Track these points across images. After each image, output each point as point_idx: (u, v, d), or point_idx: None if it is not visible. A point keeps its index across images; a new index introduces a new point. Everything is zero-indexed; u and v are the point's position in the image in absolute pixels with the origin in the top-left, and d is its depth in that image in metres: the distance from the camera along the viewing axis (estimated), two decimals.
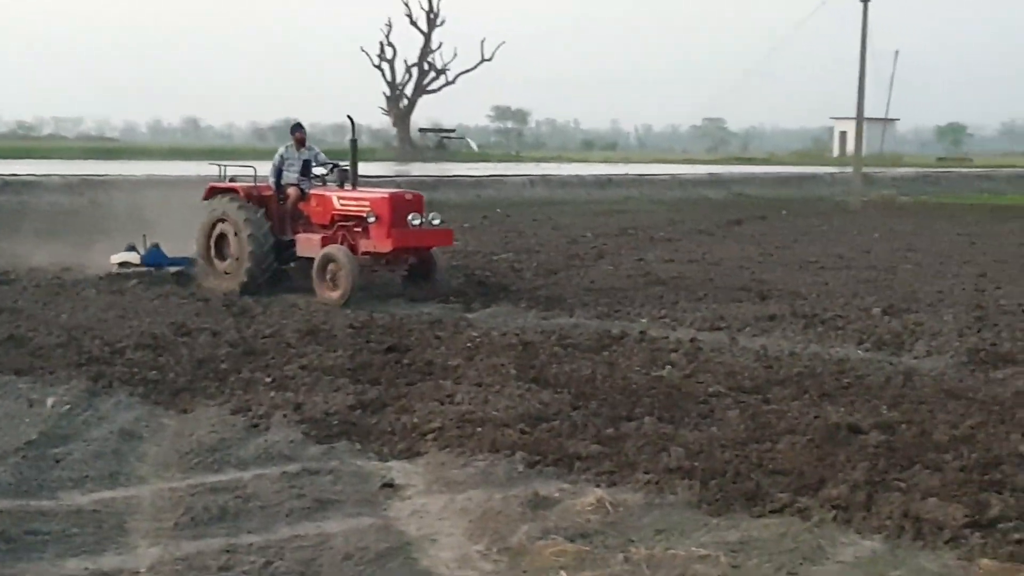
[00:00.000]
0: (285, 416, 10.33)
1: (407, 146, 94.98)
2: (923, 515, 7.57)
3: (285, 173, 19.19)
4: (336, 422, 10.20)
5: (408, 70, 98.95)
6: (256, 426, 10.12)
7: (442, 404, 10.82)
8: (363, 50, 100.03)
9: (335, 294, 17.35)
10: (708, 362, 12.97)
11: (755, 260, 24.69)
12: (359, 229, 18.12)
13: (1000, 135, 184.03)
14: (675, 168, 68.36)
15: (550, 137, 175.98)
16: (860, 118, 50.29)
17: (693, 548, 7.10)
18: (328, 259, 17.65)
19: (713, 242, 29.32)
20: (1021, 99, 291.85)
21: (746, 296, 18.62)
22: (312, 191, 18.86)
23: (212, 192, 19.36)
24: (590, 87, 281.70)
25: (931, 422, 10.16)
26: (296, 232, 18.87)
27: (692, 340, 14.26)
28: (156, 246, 20.06)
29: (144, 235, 20.21)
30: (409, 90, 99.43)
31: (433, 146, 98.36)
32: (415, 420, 10.23)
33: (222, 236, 18.97)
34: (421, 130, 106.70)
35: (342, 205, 18.35)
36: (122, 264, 19.89)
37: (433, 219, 18.14)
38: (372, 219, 17.74)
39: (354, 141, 18.88)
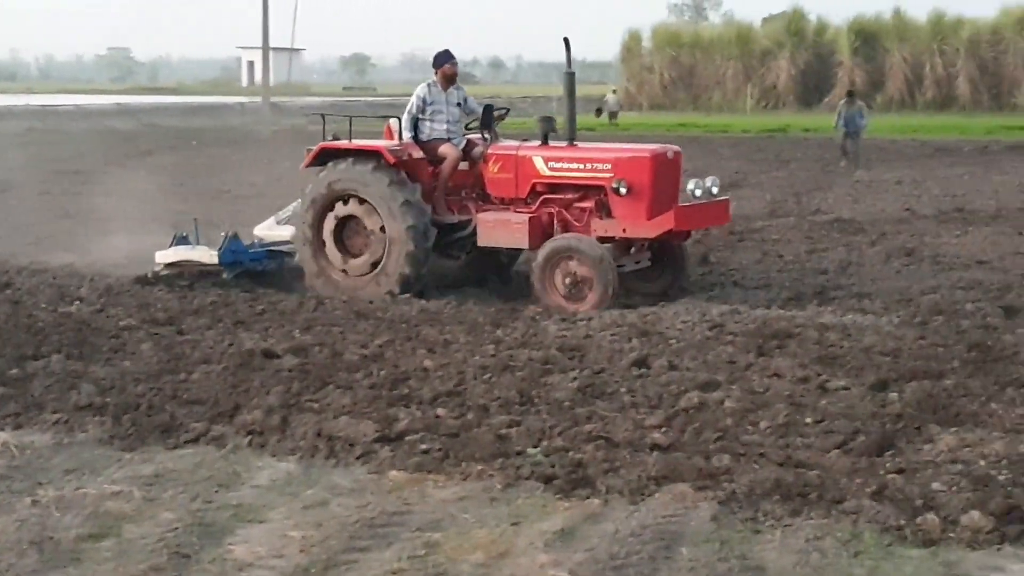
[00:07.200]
0: None
1: None
2: (336, 433, 7.76)
3: (428, 124, 13.46)
4: None
5: None
6: None
7: None
8: None
9: (580, 306, 11.96)
10: (120, 296, 12.67)
11: (169, 191, 24.32)
12: (586, 204, 12.70)
13: (401, 65, 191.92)
14: (81, 99, 66.06)
15: None
16: (266, 48, 50.64)
17: (105, 485, 6.93)
18: (562, 253, 12.25)
19: (124, 174, 28.56)
20: (420, 31, 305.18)
21: (159, 228, 18.31)
22: (494, 149, 13.05)
23: (323, 155, 13.36)
24: None
25: (343, 343, 10.42)
26: (453, 209, 13.34)
27: (103, 274, 13.86)
28: (235, 236, 13.98)
29: (195, 219, 14.65)
30: None
31: None
32: None
33: (347, 221, 13.17)
34: None
35: (554, 169, 12.74)
36: (173, 264, 13.88)
37: (712, 187, 12.91)
38: (623, 190, 12.22)
39: (571, 75, 13.11)
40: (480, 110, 13.49)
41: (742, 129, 47.52)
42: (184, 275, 13.65)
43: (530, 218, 12.59)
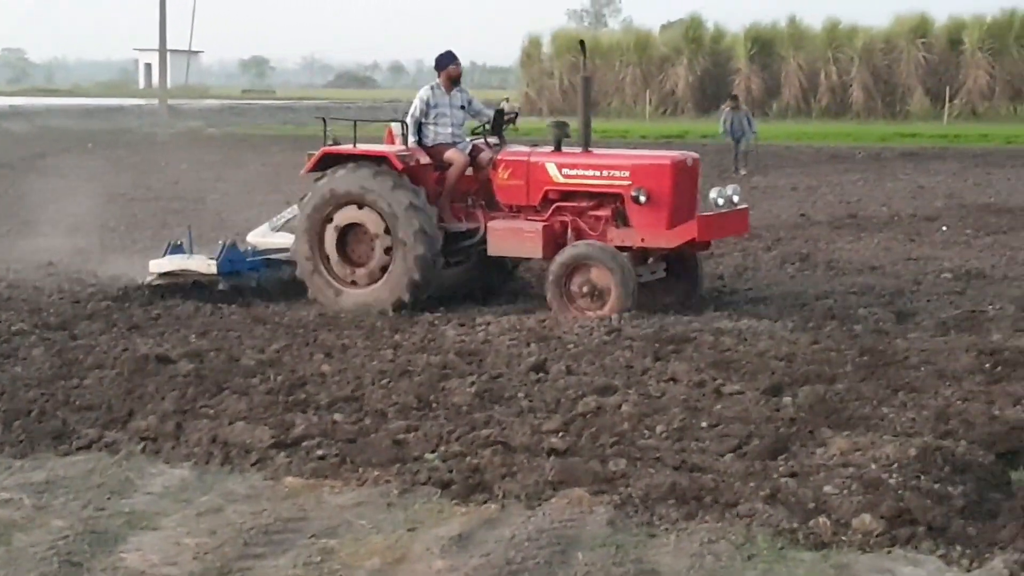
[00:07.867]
0: None
1: None
2: (231, 439, 7.70)
3: (432, 128, 12.88)
4: None
5: None
6: None
7: None
8: None
9: (600, 313, 11.54)
10: (11, 300, 12.49)
11: (62, 194, 24.00)
12: (602, 213, 12.21)
13: (301, 68, 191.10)
14: None
15: None
16: (163, 50, 50.14)
17: None
18: (579, 261, 11.78)
19: (16, 176, 28.13)
20: (319, 34, 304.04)
21: (52, 232, 18.08)
22: (504, 155, 12.59)
23: (325, 160, 12.78)
24: None
25: (239, 348, 10.35)
26: (460, 217, 12.84)
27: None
28: (233, 245, 13.22)
29: (189, 226, 14.20)
30: None
31: None
32: None
33: (350, 229, 12.54)
34: None
35: (568, 176, 12.26)
36: (168, 274, 13.10)
37: (733, 196, 12.47)
38: (642, 198, 11.82)
39: (587, 79, 13.19)
40: (485, 112, 13.21)
41: (641, 135, 47.76)
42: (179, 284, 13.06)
43: (543, 227, 12.13)
